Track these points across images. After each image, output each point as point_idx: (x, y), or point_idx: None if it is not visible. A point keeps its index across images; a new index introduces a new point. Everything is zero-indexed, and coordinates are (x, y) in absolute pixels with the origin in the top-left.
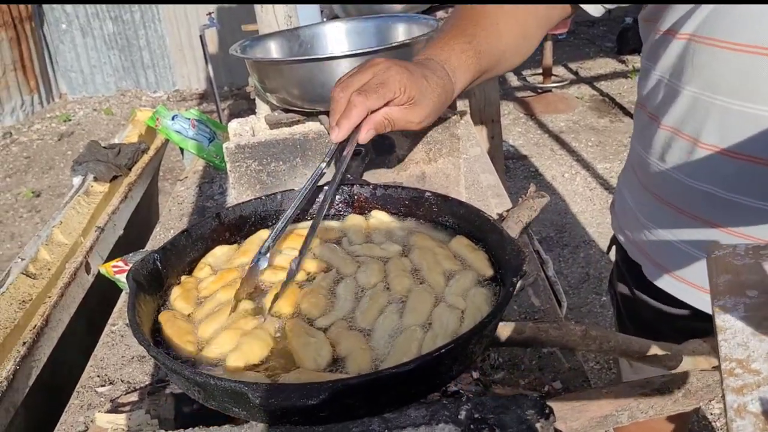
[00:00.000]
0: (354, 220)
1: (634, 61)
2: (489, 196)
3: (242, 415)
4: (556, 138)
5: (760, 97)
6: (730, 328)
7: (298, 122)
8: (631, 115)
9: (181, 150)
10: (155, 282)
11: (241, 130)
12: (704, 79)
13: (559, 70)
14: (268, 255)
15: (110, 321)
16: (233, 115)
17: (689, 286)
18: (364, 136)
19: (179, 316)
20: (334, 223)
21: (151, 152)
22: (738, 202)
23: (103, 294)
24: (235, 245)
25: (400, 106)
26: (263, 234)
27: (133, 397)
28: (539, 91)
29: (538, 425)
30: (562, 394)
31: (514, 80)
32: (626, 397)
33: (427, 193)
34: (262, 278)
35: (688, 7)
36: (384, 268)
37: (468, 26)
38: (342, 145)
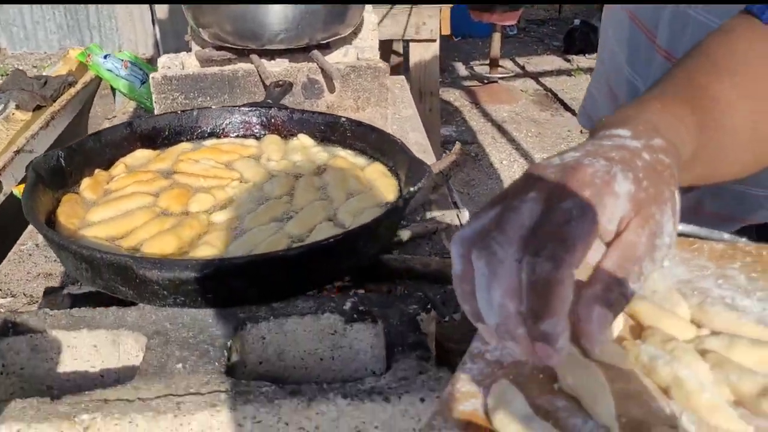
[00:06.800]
0: (272, 139)
1: (579, 60)
2: (415, 151)
3: (129, 295)
4: (498, 127)
5: None
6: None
7: (229, 61)
8: (571, 111)
9: (113, 91)
10: (57, 177)
11: (170, 64)
12: None
13: (507, 63)
14: None
15: (20, 241)
16: None
17: None
18: None
19: (80, 201)
20: (251, 141)
21: (78, 86)
22: None
23: (14, 216)
24: (157, 151)
25: None
26: (184, 146)
27: (34, 308)
28: (485, 81)
29: (419, 318)
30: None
31: (462, 69)
32: None
33: (343, 119)
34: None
35: None
36: (294, 183)
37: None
38: None
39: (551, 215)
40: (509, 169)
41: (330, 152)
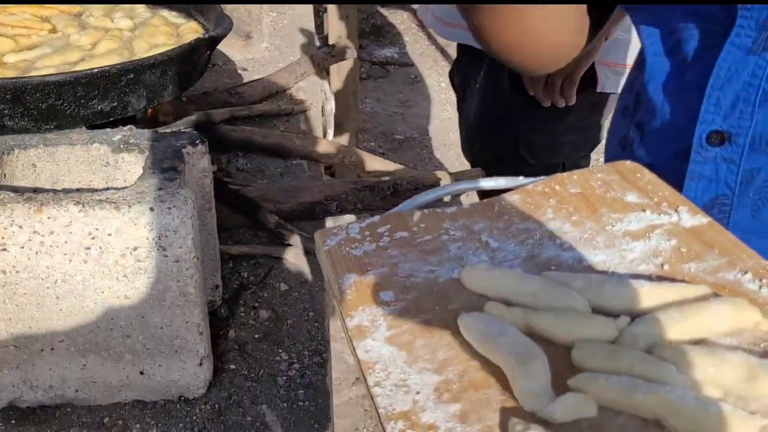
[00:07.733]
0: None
1: None
2: (297, 40)
3: None
4: (441, 50)
5: None
6: (379, 361)
7: None
8: None
9: None
10: None
11: None
12: None
13: None
14: None
15: None
16: None
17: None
18: None
19: None
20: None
21: None
22: None
23: None
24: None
25: None
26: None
27: None
28: None
29: (184, 150)
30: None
31: None
32: (337, 190)
33: None
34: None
35: None
36: (103, 36)
37: None
38: None
39: None
40: (446, 91)
41: (154, 12)
